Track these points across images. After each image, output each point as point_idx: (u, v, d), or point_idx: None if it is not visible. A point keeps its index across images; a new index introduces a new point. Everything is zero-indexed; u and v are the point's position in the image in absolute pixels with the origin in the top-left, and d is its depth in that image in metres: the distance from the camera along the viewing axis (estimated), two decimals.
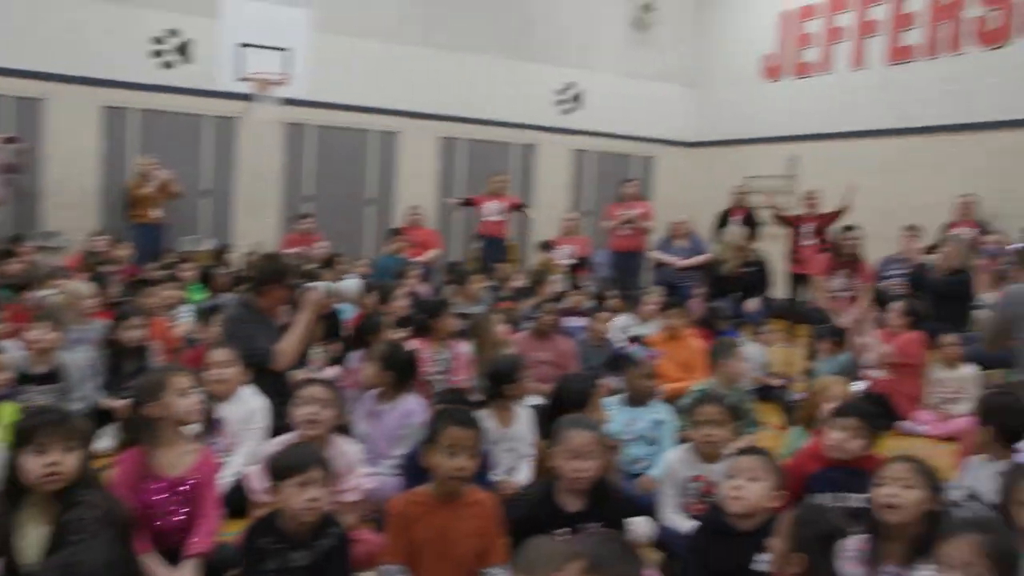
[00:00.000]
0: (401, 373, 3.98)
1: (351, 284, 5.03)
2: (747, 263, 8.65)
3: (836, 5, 11.49)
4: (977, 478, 3.20)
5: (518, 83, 12.29)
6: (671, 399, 4.79)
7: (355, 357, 4.86)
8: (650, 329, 6.75)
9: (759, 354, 6.92)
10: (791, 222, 9.49)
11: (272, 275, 4.53)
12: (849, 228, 8.12)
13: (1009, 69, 9.39)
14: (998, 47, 9.56)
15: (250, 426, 3.79)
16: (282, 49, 9.20)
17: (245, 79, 9.16)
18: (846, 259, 8.09)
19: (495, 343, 5.49)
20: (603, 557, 1.80)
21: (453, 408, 2.98)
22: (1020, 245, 6.44)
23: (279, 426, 3.70)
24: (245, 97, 9.78)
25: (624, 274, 10.25)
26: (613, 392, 4.54)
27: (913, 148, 10.40)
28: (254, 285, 4.56)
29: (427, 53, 11.68)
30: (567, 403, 3.45)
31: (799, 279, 9.31)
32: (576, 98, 12.84)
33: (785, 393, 6.56)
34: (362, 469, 3.48)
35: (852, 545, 2.05)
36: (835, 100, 11.40)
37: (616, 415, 4.18)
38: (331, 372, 4.99)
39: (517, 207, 10.76)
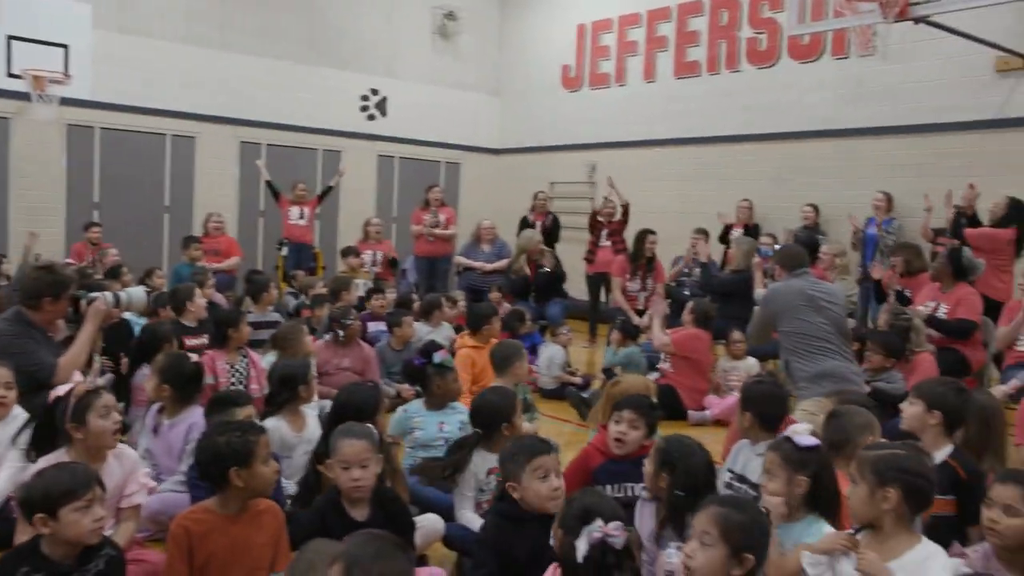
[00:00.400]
0: (183, 386, 3.85)
1: (139, 294, 4.76)
2: (541, 265, 8.91)
3: (628, 20, 12.12)
4: (743, 461, 3.44)
5: (322, 89, 12.11)
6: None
7: (141, 373, 4.65)
8: (443, 334, 6.85)
9: (560, 354, 7.13)
10: (594, 226, 9.88)
11: (47, 288, 4.23)
12: (649, 232, 8.54)
13: (779, 87, 10.27)
14: (769, 66, 10.43)
15: (19, 447, 3.49)
16: (60, 45, 8.56)
17: (16, 75, 8.45)
18: (643, 261, 8.53)
19: (304, 354, 5.37)
20: (360, 557, 1.81)
21: (240, 422, 2.91)
22: (781, 246, 7.04)
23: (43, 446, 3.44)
24: (20, 95, 9.04)
25: (430, 279, 10.33)
26: (417, 396, 4.54)
27: (700, 157, 11.15)
28: (27, 298, 4.24)
29: (224, 56, 11.29)
30: (350, 412, 3.38)
31: (598, 280, 9.72)
32: (381, 105, 12.81)
33: (586, 391, 6.84)
34: (143, 469, 3.34)
35: (614, 526, 2.19)
36: (629, 111, 12.02)
37: (424, 420, 4.20)
38: (102, 380, 4.72)
39: (321, 198, 10.63)
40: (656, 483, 2.88)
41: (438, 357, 4.29)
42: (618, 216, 9.71)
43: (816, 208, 9.39)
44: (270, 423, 3.82)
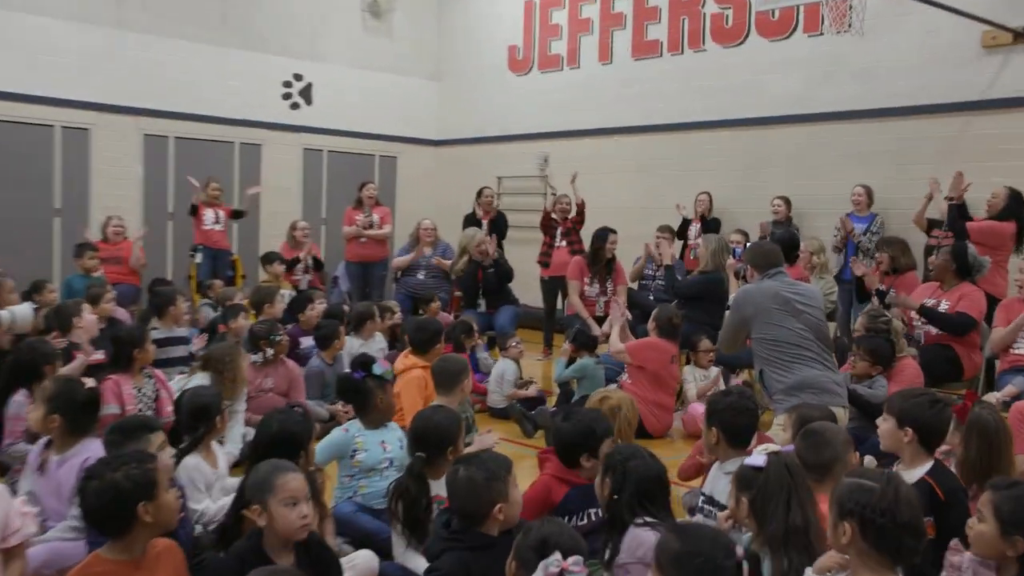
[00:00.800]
0: (76, 416, 3.73)
1: (24, 312, 4.60)
2: (484, 266, 8.86)
3: None
4: (711, 481, 3.52)
5: (238, 74, 11.94)
6: None
7: (16, 400, 4.50)
8: (376, 347, 6.83)
9: (512, 370, 7.11)
10: (547, 226, 9.85)
11: None
12: (610, 231, 8.50)
13: (747, 68, 10.37)
14: (736, 45, 10.52)
15: None
16: None
17: None
18: (603, 262, 8.50)
19: (242, 380, 5.27)
20: None
21: (128, 452, 2.85)
22: (752, 243, 7.04)
23: None
24: None
25: (364, 287, 10.27)
26: (352, 417, 4.50)
27: (661, 146, 11.21)
28: None
29: (122, 35, 11.04)
30: (281, 442, 3.35)
31: (555, 285, 9.71)
32: (306, 92, 12.67)
33: (541, 407, 6.82)
34: (19, 498, 3.26)
35: (573, 561, 2.20)
36: (583, 96, 12.03)
37: (367, 441, 4.19)
38: None
39: (234, 215, 10.60)
40: (603, 492, 3.02)
41: (379, 368, 4.29)
42: (573, 213, 9.72)
43: (787, 201, 9.50)
44: (190, 461, 3.79)
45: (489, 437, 4.33)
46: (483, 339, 8.09)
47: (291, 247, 10.00)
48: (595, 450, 3.47)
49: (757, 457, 2.82)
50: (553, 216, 9.76)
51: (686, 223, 10.08)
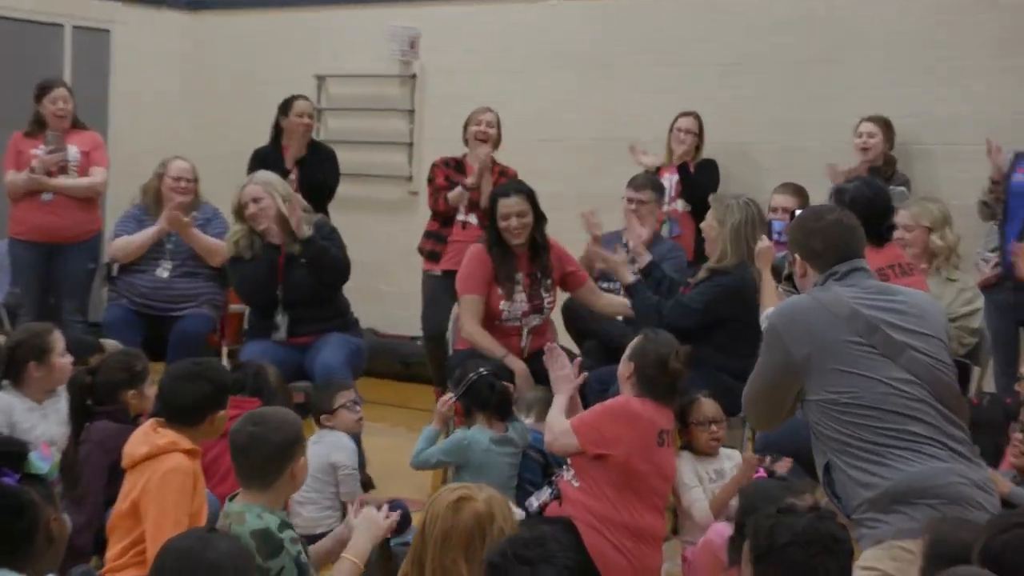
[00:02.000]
0: None
1: None
2: (289, 251, 8.77)
3: None
4: None
5: None
6: None
7: None
8: (59, 412, 6.83)
9: (346, 454, 7.26)
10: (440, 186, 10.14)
11: None
12: (511, 190, 8.40)
13: None
14: None
15: None
16: None
17: None
18: (526, 250, 8.44)
19: None
20: None
21: None
22: (801, 212, 6.88)
23: None
24: None
25: (47, 291, 10.29)
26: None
27: (627, 19, 11.48)
28: None
29: None
30: None
31: (452, 290, 9.64)
32: None
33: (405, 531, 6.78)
34: None
35: None
36: None
37: None
38: None
39: None
40: None
41: (41, 463, 4.36)
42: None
43: (886, 125, 9.62)
44: None
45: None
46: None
47: None
48: None
49: None
50: (446, 168, 10.12)
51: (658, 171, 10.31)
